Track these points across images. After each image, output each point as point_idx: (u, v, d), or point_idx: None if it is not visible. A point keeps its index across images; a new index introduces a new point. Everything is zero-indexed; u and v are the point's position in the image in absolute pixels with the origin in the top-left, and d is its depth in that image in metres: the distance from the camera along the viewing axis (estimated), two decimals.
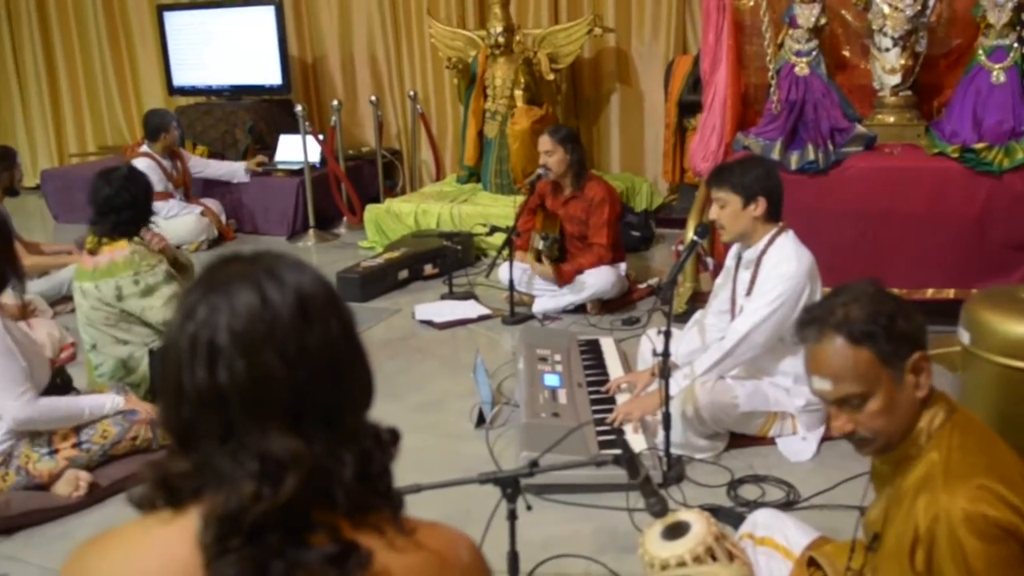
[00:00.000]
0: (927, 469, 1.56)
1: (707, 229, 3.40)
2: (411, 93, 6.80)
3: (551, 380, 3.43)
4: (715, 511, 2.54)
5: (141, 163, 5.59)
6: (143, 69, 8.14)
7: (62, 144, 8.67)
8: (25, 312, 4.14)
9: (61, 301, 4.77)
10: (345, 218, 6.57)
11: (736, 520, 2.51)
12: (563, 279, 4.49)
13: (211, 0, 7.55)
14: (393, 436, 1.04)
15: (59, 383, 3.10)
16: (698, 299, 4.17)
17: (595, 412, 3.25)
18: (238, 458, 0.91)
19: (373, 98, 6.81)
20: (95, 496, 2.90)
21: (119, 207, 3.29)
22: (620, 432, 3.02)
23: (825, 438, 3.13)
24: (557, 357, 3.65)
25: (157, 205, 4.38)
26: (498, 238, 4.67)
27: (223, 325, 0.93)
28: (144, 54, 8.08)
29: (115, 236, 3.33)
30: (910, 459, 1.61)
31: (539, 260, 4.51)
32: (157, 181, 5.67)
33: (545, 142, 4.51)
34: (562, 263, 4.54)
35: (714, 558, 1.91)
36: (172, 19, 7.30)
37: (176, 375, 0.95)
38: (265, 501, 0.89)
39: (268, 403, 0.93)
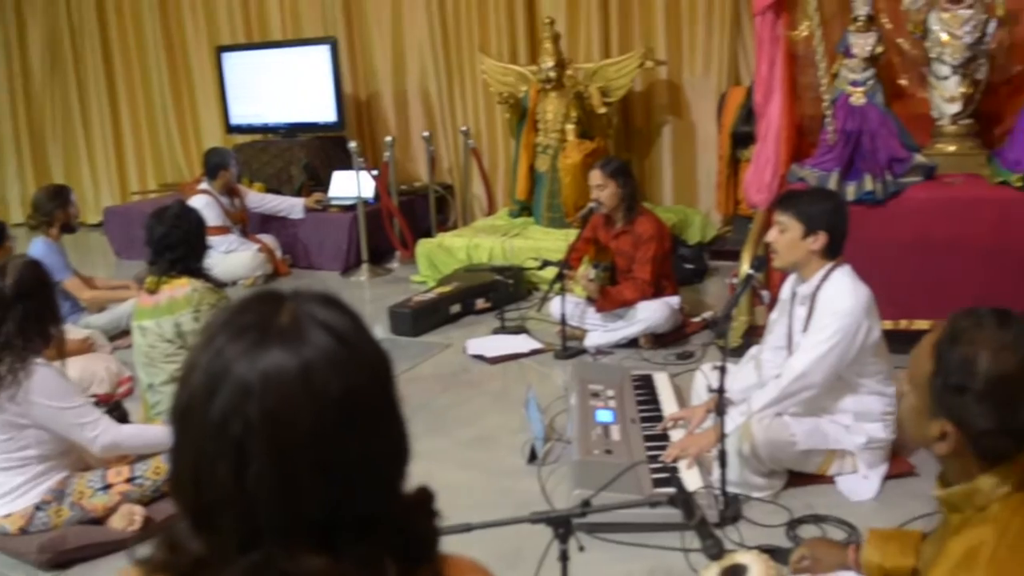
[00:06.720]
0: (975, 543, 1.46)
1: (763, 262, 3.34)
2: (463, 128, 6.85)
3: (604, 416, 3.39)
4: (773, 552, 2.47)
5: (199, 200, 5.72)
6: (202, 108, 8.35)
7: (124, 182, 8.91)
8: (84, 347, 4.22)
9: (119, 335, 4.86)
10: (398, 253, 6.61)
11: None
12: (605, 300, 4.44)
13: (268, 40, 7.74)
14: (426, 497, 0.96)
15: (115, 417, 3.14)
16: (753, 333, 4.09)
17: (649, 449, 3.19)
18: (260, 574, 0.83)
19: (426, 133, 6.88)
20: (150, 531, 2.93)
21: (173, 244, 3.35)
22: (674, 470, 2.96)
23: (887, 476, 3.03)
24: (610, 392, 3.60)
25: (215, 240, 4.48)
26: (550, 272, 4.66)
27: (256, 422, 0.81)
28: (203, 93, 8.28)
29: (174, 274, 3.39)
30: (961, 515, 1.53)
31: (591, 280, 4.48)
32: (214, 217, 5.79)
33: (596, 176, 4.49)
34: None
35: None
36: (230, 59, 7.48)
37: (195, 455, 0.84)
38: None
39: (299, 517, 0.83)
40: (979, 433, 1.47)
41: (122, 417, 3.31)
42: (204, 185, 6.20)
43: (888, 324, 3.53)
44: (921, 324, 3.98)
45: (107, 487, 2.93)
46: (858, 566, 2.06)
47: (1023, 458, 1.49)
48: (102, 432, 2.87)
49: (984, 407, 1.45)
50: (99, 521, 2.92)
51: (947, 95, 4.20)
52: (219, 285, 3.59)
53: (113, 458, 3.07)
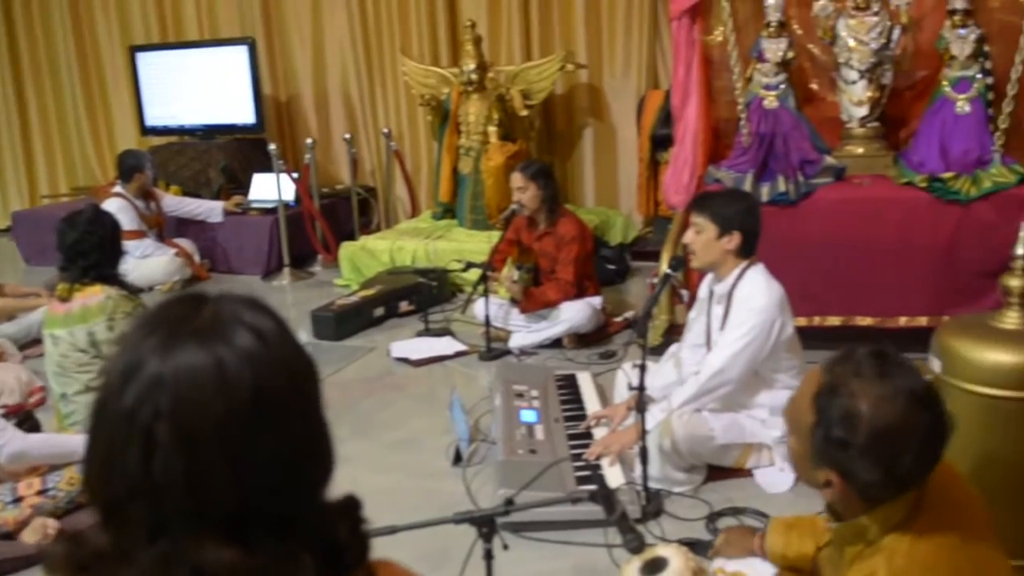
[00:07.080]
0: (867, 573, 1.49)
1: (681, 262, 3.41)
2: (385, 130, 6.82)
3: (528, 416, 3.42)
4: (693, 545, 2.52)
5: (113, 204, 5.57)
6: (115, 109, 8.13)
7: (34, 185, 8.62)
8: None
9: (30, 344, 4.70)
10: (320, 256, 6.54)
11: None
12: (529, 301, 4.49)
13: (184, 40, 7.59)
14: (352, 505, 0.96)
15: (27, 428, 3.05)
16: (674, 331, 4.17)
17: (572, 447, 3.23)
18: (167, 566, 0.82)
19: (347, 136, 6.83)
20: None
21: (87, 251, 3.21)
22: (597, 468, 3.01)
23: None
24: (534, 393, 3.64)
25: (130, 244, 4.35)
26: (473, 274, 4.67)
27: (165, 411, 0.81)
28: (116, 95, 8.07)
29: (87, 281, 3.27)
30: (854, 548, 1.56)
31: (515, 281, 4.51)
32: (129, 221, 5.66)
33: (517, 178, 4.52)
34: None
35: None
36: (145, 59, 7.30)
37: (107, 444, 0.84)
38: None
39: (208, 509, 0.82)
40: (864, 483, 1.48)
41: (34, 428, 3.21)
42: (118, 188, 6.04)
43: (801, 321, 3.66)
44: (833, 320, 4.13)
45: (18, 500, 2.84)
46: (764, 553, 2.14)
47: (908, 496, 1.51)
48: (8, 442, 2.79)
49: (867, 461, 1.45)
50: (10, 536, 2.83)
51: (855, 99, 4.35)
52: (134, 292, 3.49)
53: (23, 470, 2.98)
